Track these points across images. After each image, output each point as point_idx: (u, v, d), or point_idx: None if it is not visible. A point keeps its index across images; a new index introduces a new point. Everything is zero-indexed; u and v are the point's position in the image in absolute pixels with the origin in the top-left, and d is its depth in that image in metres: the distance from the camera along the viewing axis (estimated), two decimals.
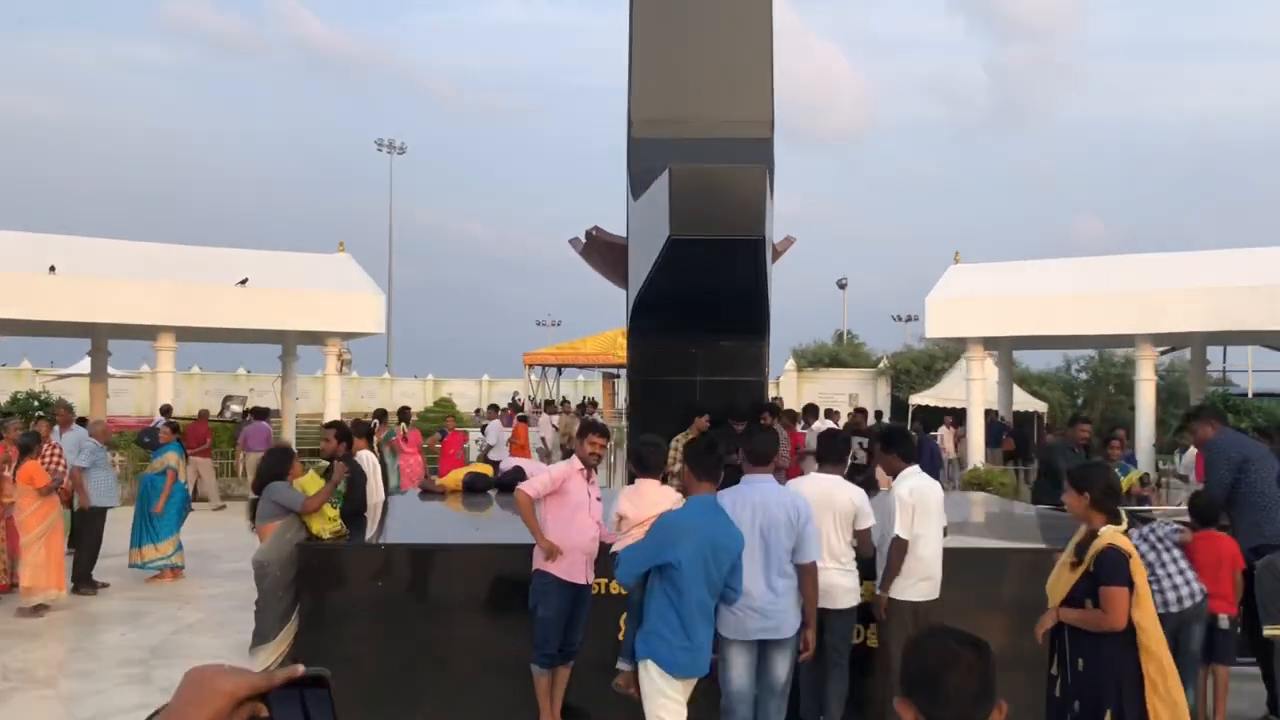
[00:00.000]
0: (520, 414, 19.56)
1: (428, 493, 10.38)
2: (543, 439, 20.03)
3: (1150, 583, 5.82)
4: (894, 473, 6.25)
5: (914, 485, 6.08)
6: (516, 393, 58.60)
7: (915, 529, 5.99)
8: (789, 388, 39.33)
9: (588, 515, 6.24)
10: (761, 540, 5.42)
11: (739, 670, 5.49)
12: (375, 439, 16.26)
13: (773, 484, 5.73)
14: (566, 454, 21.35)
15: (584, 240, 14.16)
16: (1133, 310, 19.97)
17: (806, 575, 5.50)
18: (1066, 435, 10.59)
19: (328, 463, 7.67)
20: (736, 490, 5.58)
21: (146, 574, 11.76)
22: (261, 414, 19.36)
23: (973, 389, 22.15)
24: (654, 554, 4.83)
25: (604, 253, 13.97)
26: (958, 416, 25.05)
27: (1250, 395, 31.91)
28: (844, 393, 38.79)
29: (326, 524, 6.66)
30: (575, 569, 6.17)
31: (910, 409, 34.39)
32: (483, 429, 17.67)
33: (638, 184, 10.86)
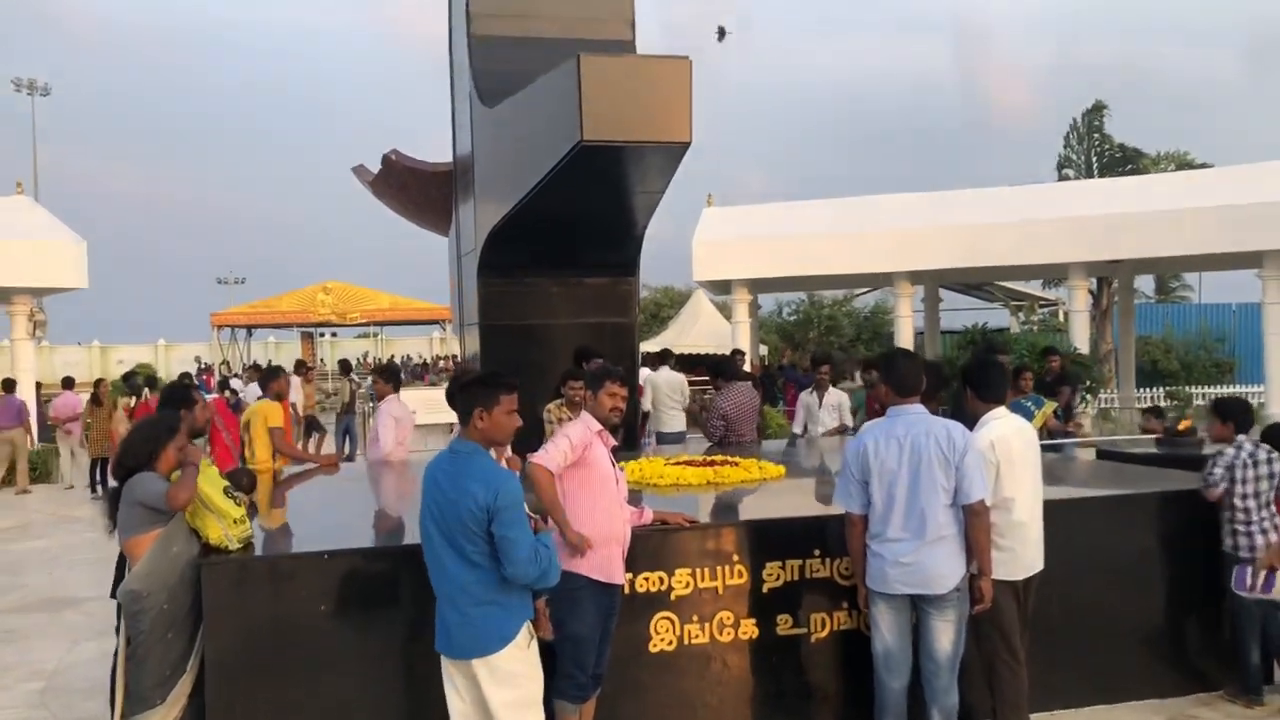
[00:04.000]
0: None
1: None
2: (293, 405, 17.50)
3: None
4: (976, 416, 5.09)
5: (998, 435, 4.95)
6: (198, 357, 53.44)
7: (1005, 490, 4.88)
8: None
9: (616, 491, 4.67)
10: (910, 477, 4.55)
11: (885, 630, 4.71)
12: None
13: (922, 413, 4.68)
14: (308, 426, 18.88)
15: (378, 169, 12.07)
16: (890, 247, 20.16)
17: (973, 517, 4.58)
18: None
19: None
20: (880, 423, 4.72)
21: None
22: (10, 386, 15.64)
23: (738, 332, 21.71)
24: None
25: (406, 182, 11.97)
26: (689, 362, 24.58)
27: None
28: None
29: (232, 527, 4.64)
30: (612, 565, 4.59)
31: (640, 356, 34.02)
32: (236, 394, 15.03)
33: (486, 87, 9.10)
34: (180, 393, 5.80)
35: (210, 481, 4.68)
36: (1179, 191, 19.12)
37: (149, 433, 4.67)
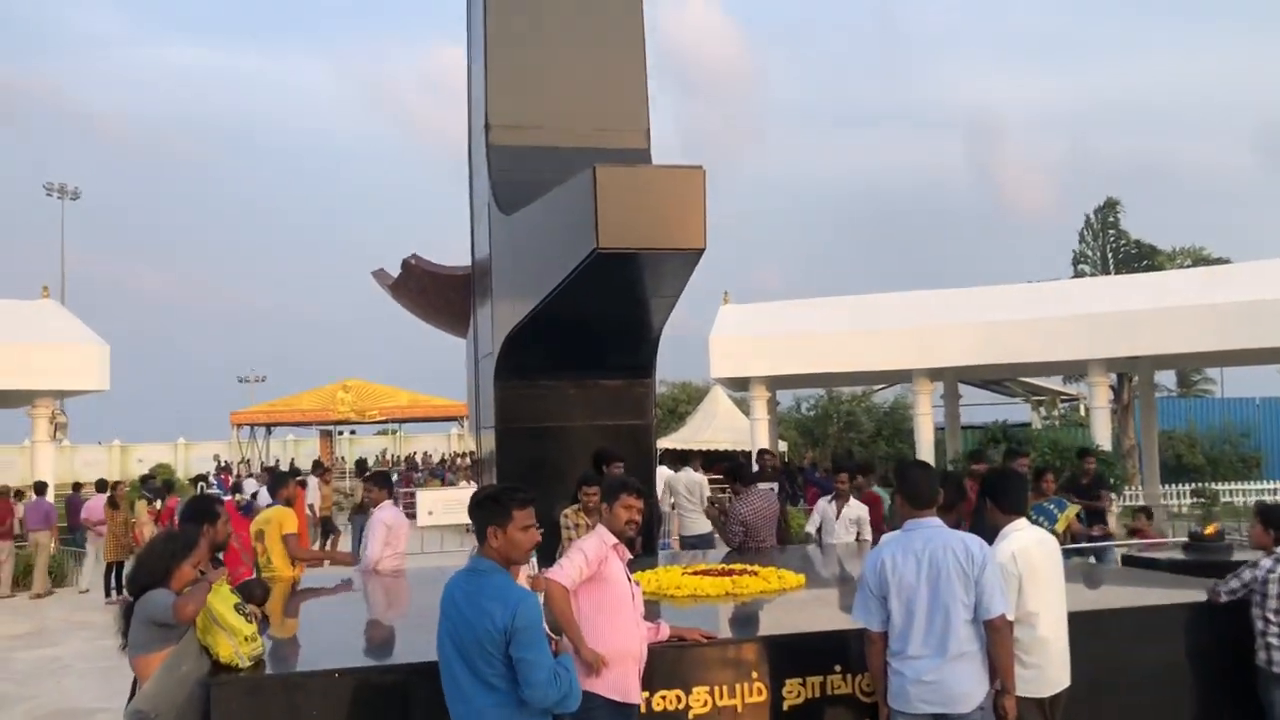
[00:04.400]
0: (298, 477, 16.77)
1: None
2: (311, 507, 17.47)
3: None
4: (995, 528, 5.00)
5: (1019, 547, 4.85)
6: (217, 455, 53.58)
7: (1028, 604, 4.77)
8: None
9: (633, 607, 4.58)
10: (930, 593, 4.45)
11: None
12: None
13: (939, 526, 4.59)
14: (324, 527, 18.78)
15: (397, 273, 12.22)
16: (910, 345, 20.17)
17: (995, 633, 4.46)
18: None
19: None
20: (897, 537, 4.62)
21: None
22: (41, 489, 15.68)
23: (757, 429, 21.64)
24: None
25: (425, 286, 12.10)
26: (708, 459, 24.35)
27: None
28: None
29: (243, 645, 4.57)
30: (628, 683, 4.49)
31: (658, 453, 33.88)
32: (251, 496, 14.98)
33: (504, 195, 9.24)
34: (203, 506, 5.76)
35: (222, 599, 4.62)
36: (1198, 287, 19.12)
37: (165, 549, 4.63)
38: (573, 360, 9.24)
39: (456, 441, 57.81)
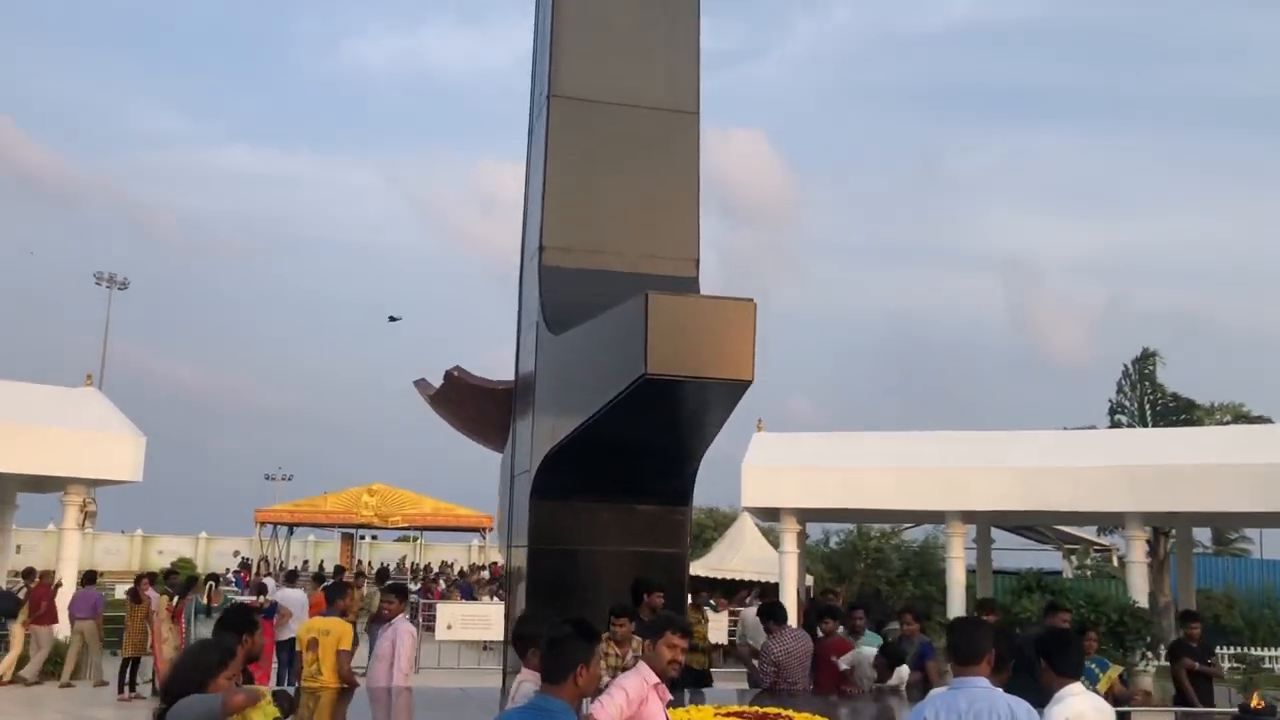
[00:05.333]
0: (325, 583, 16.45)
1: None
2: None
3: None
4: (1048, 691, 4.84)
5: (1075, 713, 4.69)
6: (238, 551, 53.29)
7: None
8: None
9: None
10: None
11: None
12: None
13: (986, 687, 4.42)
14: None
15: (439, 383, 12.28)
16: (944, 486, 19.93)
17: None
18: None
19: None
20: (942, 695, 4.48)
21: None
22: (91, 578, 15.68)
23: (786, 562, 21.32)
24: None
25: (465, 398, 12.14)
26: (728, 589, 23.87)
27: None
28: None
29: None
30: None
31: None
32: (270, 600, 14.70)
33: (553, 315, 9.34)
34: (243, 617, 5.67)
35: (263, 713, 4.53)
36: (1239, 444, 18.88)
37: (200, 659, 4.57)
38: (610, 483, 9.19)
39: (477, 553, 57.34)
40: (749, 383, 7.41)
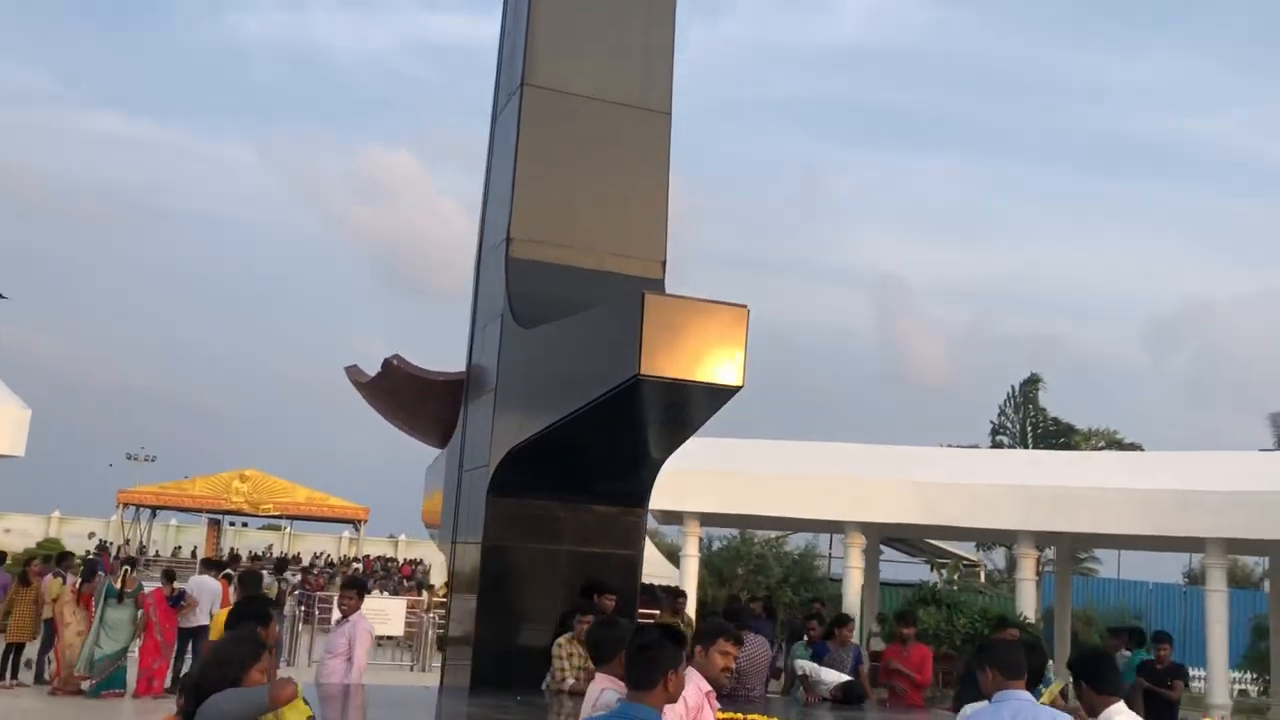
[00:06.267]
0: (225, 570, 15.66)
1: None
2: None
3: None
4: (1093, 712, 4.93)
5: None
6: (94, 533, 50.84)
7: None
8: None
9: None
10: None
11: None
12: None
13: (1029, 701, 4.48)
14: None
15: (374, 373, 11.90)
16: (847, 497, 20.29)
17: None
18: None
19: None
20: (985, 711, 4.51)
21: None
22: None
23: (686, 566, 21.42)
24: None
25: (401, 388, 11.79)
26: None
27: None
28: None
29: None
30: None
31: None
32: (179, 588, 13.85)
33: (521, 309, 9.15)
34: (260, 609, 5.37)
35: (297, 710, 4.28)
36: (1127, 469, 19.78)
37: (234, 653, 4.28)
38: (569, 482, 9.06)
39: (348, 545, 56.04)
40: (738, 389, 7.38)
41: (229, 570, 15.22)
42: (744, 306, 7.45)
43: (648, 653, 3.70)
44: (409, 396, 11.95)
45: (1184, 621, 37.81)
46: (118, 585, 12.67)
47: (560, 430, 8.07)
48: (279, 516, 48.65)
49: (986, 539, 28.27)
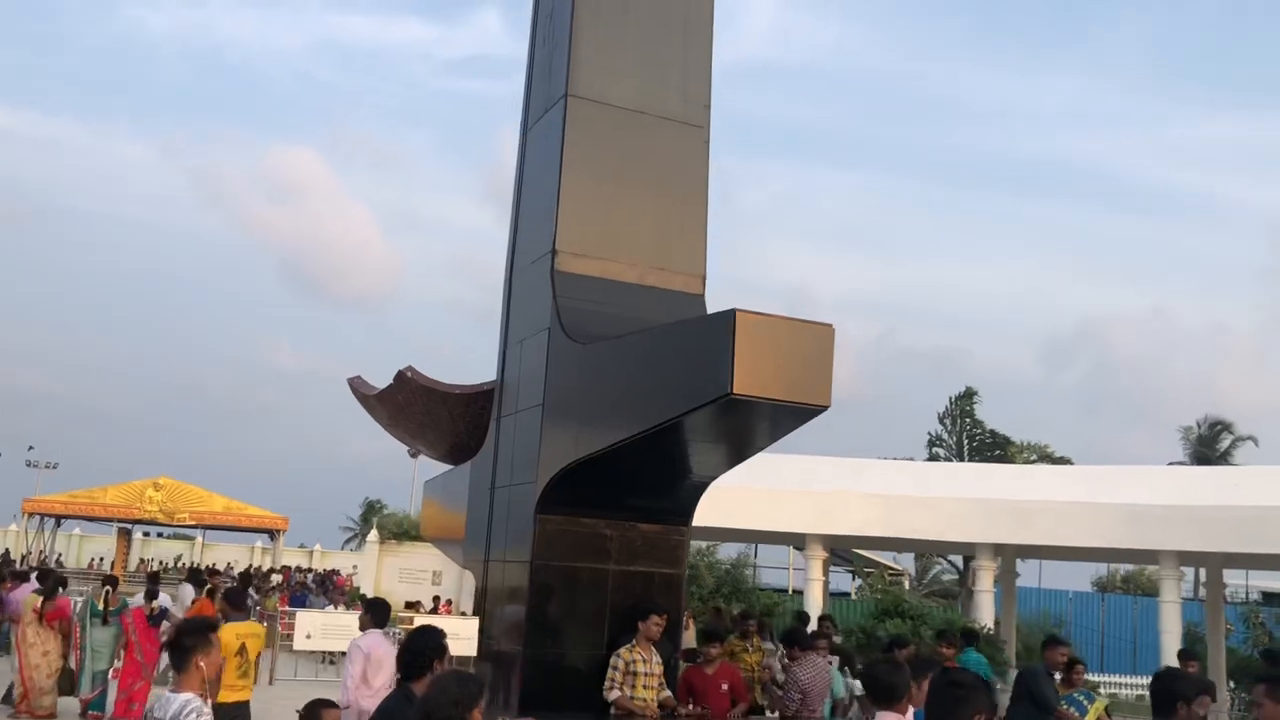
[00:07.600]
0: (204, 582, 15.05)
1: None
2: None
3: None
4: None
5: None
6: None
7: None
8: (369, 563, 36.03)
9: None
10: None
11: None
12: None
13: None
14: None
15: (384, 384, 11.58)
16: (810, 509, 20.49)
17: None
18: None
19: None
20: None
21: None
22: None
23: None
24: None
25: (414, 400, 11.50)
26: None
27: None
28: (428, 569, 36.34)
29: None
30: None
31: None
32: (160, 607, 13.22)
33: (570, 322, 9.00)
34: (438, 641, 5.13)
35: None
36: (1076, 484, 20.34)
37: (459, 693, 4.07)
38: (618, 500, 8.93)
39: (261, 555, 54.57)
40: (825, 408, 7.35)
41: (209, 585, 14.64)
42: (830, 325, 7.44)
43: (958, 691, 3.61)
44: (420, 408, 11.66)
45: (1101, 627, 39.08)
46: (100, 605, 12.08)
47: (630, 448, 7.95)
48: (194, 526, 47.09)
49: (944, 550, 28.81)
